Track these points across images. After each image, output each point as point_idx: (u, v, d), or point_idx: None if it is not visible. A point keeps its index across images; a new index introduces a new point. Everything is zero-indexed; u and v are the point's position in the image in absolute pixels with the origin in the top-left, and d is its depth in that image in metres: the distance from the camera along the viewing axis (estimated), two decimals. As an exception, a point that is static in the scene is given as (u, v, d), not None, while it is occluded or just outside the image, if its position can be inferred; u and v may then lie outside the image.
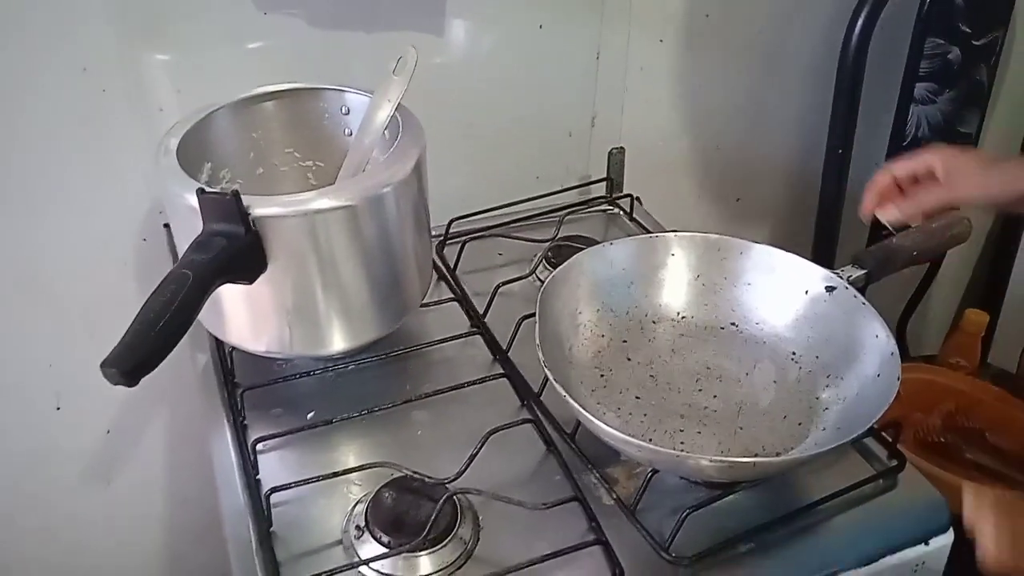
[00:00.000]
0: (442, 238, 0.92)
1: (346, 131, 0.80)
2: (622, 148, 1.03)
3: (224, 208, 0.60)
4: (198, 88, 0.84)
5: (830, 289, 0.71)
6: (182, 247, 0.66)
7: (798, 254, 0.74)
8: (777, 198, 1.29)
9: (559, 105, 1.04)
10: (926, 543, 0.63)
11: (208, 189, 0.61)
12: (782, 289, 0.73)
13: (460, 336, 0.79)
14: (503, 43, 0.96)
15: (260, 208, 0.62)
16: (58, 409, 0.97)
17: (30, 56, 0.78)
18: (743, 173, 1.23)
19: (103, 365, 0.51)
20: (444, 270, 0.88)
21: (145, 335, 0.53)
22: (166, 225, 0.88)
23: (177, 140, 0.69)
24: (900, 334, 1.25)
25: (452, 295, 0.85)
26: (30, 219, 0.85)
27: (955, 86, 1.19)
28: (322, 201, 0.64)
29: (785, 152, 1.24)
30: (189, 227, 0.63)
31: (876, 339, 0.65)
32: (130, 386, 0.52)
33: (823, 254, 1.24)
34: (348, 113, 0.79)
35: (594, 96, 1.05)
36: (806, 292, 0.72)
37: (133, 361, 0.52)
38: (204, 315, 0.62)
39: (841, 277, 0.71)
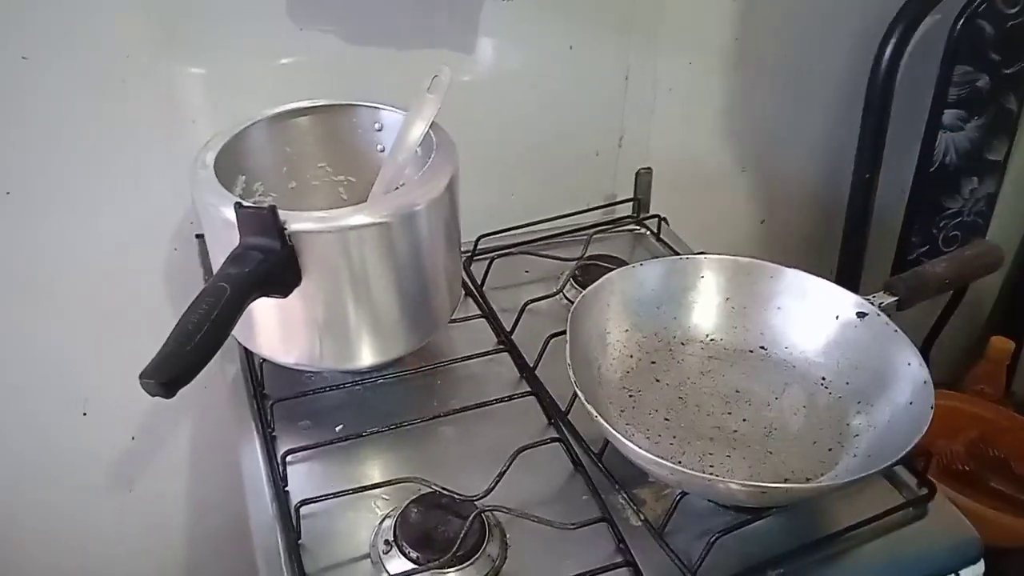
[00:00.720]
0: (470, 254, 0.92)
1: (379, 147, 0.80)
2: (649, 168, 1.03)
3: (261, 223, 0.61)
4: (232, 102, 0.85)
5: (861, 315, 0.70)
6: (217, 259, 0.67)
7: (826, 279, 0.74)
8: (802, 222, 1.28)
9: (587, 125, 1.04)
10: (956, 574, 0.62)
11: (246, 203, 0.62)
12: (812, 314, 0.73)
13: (488, 353, 0.79)
14: (533, 63, 0.97)
15: (296, 223, 0.62)
16: (85, 415, 0.97)
17: (69, 68, 0.79)
18: (769, 196, 1.23)
19: (142, 376, 0.52)
20: (471, 286, 0.89)
21: (183, 347, 0.53)
22: (198, 236, 0.89)
23: (214, 153, 0.70)
24: (923, 360, 1.25)
25: (479, 312, 0.85)
26: (62, 226, 0.86)
27: (984, 114, 1.18)
28: (357, 217, 0.65)
29: (811, 176, 1.24)
30: (225, 240, 0.63)
31: (908, 367, 0.65)
32: (168, 397, 0.52)
33: (848, 279, 1.24)
34: (381, 129, 0.80)
35: (622, 117, 1.05)
36: (836, 317, 0.72)
37: (171, 373, 0.52)
38: (236, 327, 0.62)
39: (872, 303, 0.71)
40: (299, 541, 0.62)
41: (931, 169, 1.20)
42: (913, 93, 1.17)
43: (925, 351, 1.34)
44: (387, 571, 0.59)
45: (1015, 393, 1.38)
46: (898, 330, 0.68)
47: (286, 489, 0.66)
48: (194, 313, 0.55)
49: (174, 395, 0.52)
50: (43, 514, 1.03)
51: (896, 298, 0.72)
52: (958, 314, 1.36)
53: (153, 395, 0.52)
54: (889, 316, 0.70)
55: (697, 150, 1.14)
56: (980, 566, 0.63)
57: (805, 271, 0.74)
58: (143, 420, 1.01)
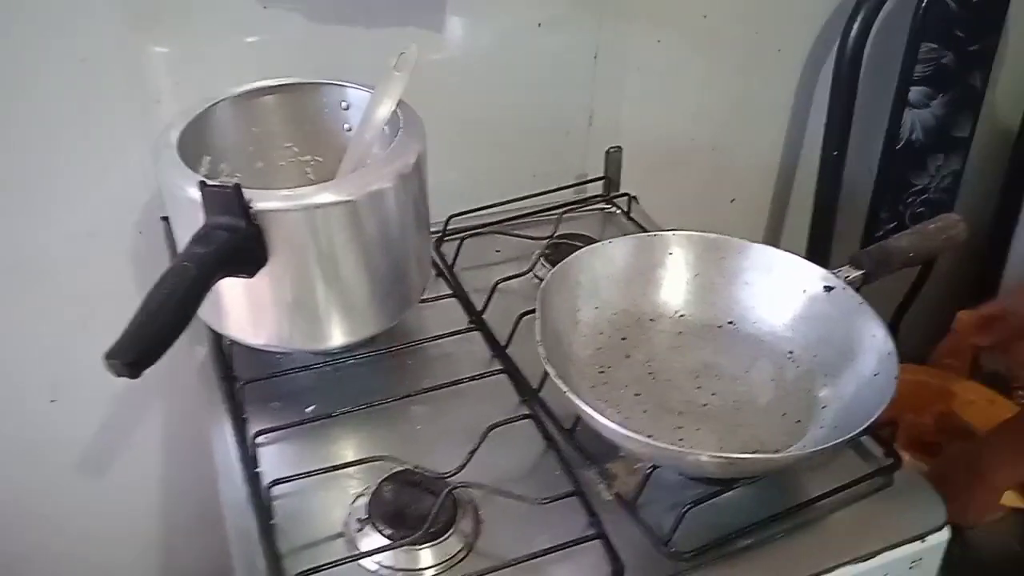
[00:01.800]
0: (440, 234, 0.92)
1: (345, 126, 0.80)
2: (619, 147, 1.03)
3: (225, 201, 0.60)
4: (196, 81, 0.84)
5: (828, 289, 0.71)
6: (182, 239, 0.66)
7: (790, 253, 0.74)
8: (771, 198, 1.29)
9: (557, 104, 1.04)
10: (922, 540, 0.63)
11: (210, 182, 0.61)
12: (780, 288, 0.74)
13: (459, 332, 0.79)
14: (502, 41, 0.96)
15: (261, 202, 0.62)
16: (53, 401, 0.96)
17: (29, 46, 0.78)
18: (739, 173, 1.23)
19: (106, 356, 0.51)
20: (442, 266, 0.88)
21: (148, 327, 0.53)
22: (163, 218, 0.88)
23: (178, 133, 0.69)
24: (892, 335, 1.26)
25: (450, 291, 0.85)
26: (26, 210, 0.85)
27: (949, 90, 1.20)
28: (323, 196, 0.64)
29: (781, 154, 1.25)
30: (190, 220, 0.62)
31: (874, 338, 0.66)
32: (133, 377, 0.52)
33: (818, 254, 1.24)
34: (348, 108, 0.79)
35: (591, 95, 1.05)
36: (804, 291, 0.72)
37: (136, 353, 0.51)
38: (203, 308, 0.62)
39: (839, 277, 0.71)
40: (272, 521, 0.62)
41: (898, 146, 1.22)
42: (880, 70, 1.18)
43: (894, 327, 1.35)
44: (360, 548, 0.59)
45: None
46: (864, 302, 0.69)
47: (257, 470, 0.66)
48: (158, 293, 0.55)
49: (139, 375, 0.52)
50: (15, 501, 1.01)
51: (862, 271, 0.72)
52: (927, 290, 1.38)
53: (118, 375, 0.51)
54: (856, 289, 0.71)
55: (667, 128, 1.14)
56: (945, 532, 0.64)
57: (773, 246, 0.75)
58: (113, 405, 1.00)
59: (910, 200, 1.27)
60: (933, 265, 1.26)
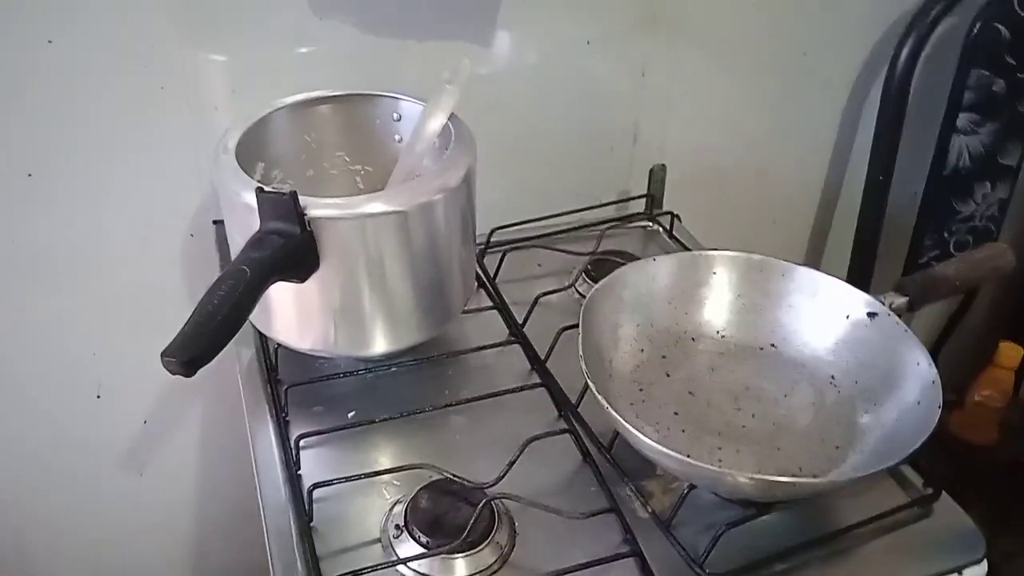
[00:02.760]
0: (483, 247, 0.93)
1: (396, 137, 0.81)
2: (663, 165, 1.03)
3: (281, 207, 0.62)
4: (252, 89, 0.86)
5: (872, 315, 0.71)
6: (236, 244, 0.68)
7: (835, 278, 0.74)
8: (814, 221, 1.29)
9: (602, 120, 1.05)
10: (959, 573, 0.63)
11: (267, 188, 0.62)
12: (823, 312, 0.74)
13: (499, 344, 0.80)
14: (550, 57, 0.97)
15: (315, 209, 0.63)
16: (98, 398, 0.99)
17: (93, 53, 0.80)
18: (782, 195, 1.23)
19: (164, 354, 0.53)
20: (484, 278, 0.89)
21: (204, 327, 0.54)
22: (215, 222, 0.90)
23: (236, 139, 0.71)
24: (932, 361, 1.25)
25: (491, 303, 0.86)
26: (81, 210, 0.87)
27: (998, 118, 1.19)
28: (375, 205, 0.66)
29: (825, 177, 1.24)
30: (245, 225, 0.64)
31: (918, 367, 0.65)
32: (187, 376, 0.53)
33: (860, 279, 1.24)
34: (400, 120, 0.80)
35: (637, 113, 1.06)
36: (847, 317, 0.72)
37: (192, 352, 0.53)
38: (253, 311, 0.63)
39: (883, 303, 0.71)
40: (311, 524, 0.63)
41: (944, 172, 1.20)
42: (928, 96, 1.17)
43: (934, 354, 1.34)
44: (397, 555, 0.60)
45: (1022, 399, 1.38)
46: (908, 330, 0.68)
47: (299, 473, 0.67)
48: (215, 294, 0.56)
49: (194, 374, 0.53)
50: (56, 496, 1.04)
51: (907, 298, 0.72)
52: (968, 319, 1.36)
53: (173, 373, 0.53)
54: (899, 316, 0.70)
55: (711, 148, 1.14)
56: (983, 566, 0.63)
57: (817, 270, 0.75)
58: (156, 404, 1.02)
59: (955, 227, 1.26)
60: (976, 294, 1.25)
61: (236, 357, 0.79)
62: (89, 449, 1.02)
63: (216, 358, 0.56)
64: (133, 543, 1.11)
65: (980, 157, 1.21)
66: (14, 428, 0.97)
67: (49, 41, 0.78)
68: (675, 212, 1.01)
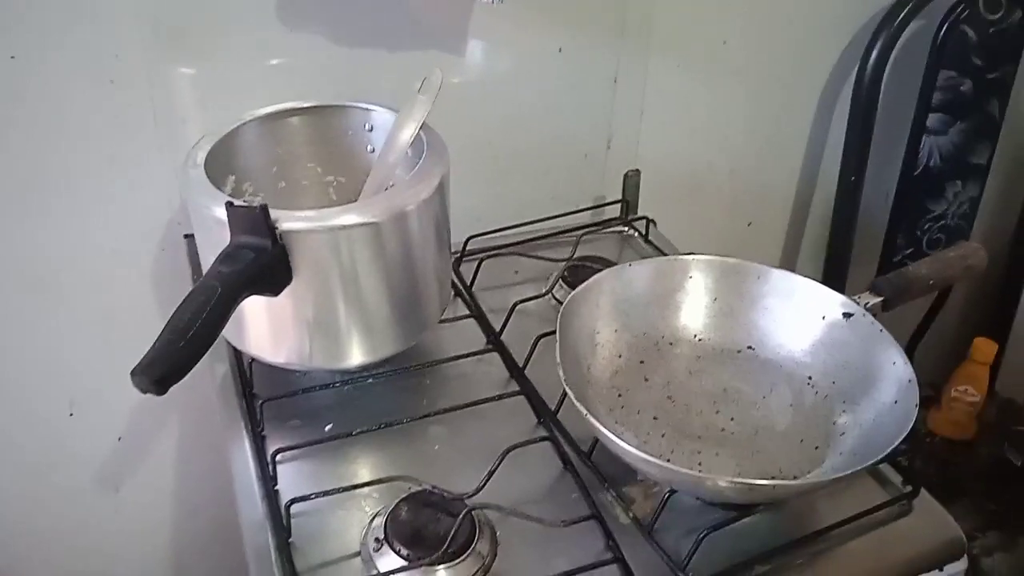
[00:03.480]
0: (459, 255, 0.92)
1: (368, 148, 0.81)
2: (637, 171, 1.04)
3: (252, 221, 0.61)
4: (221, 101, 0.85)
5: (847, 315, 0.71)
6: (207, 258, 0.67)
7: (812, 279, 0.74)
8: (788, 223, 1.30)
9: (576, 127, 1.05)
10: (940, 569, 0.63)
11: (237, 202, 0.62)
12: (800, 314, 0.74)
13: (477, 353, 0.80)
14: (522, 65, 0.97)
15: (287, 222, 0.63)
16: (71, 415, 0.97)
17: (57, 67, 0.79)
18: (756, 198, 1.24)
19: (133, 373, 0.52)
20: (461, 287, 0.89)
21: (175, 344, 0.53)
22: (187, 236, 0.89)
23: (205, 153, 0.70)
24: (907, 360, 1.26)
25: (468, 312, 0.85)
26: (50, 226, 0.86)
27: (967, 117, 1.20)
28: (348, 217, 0.65)
29: (798, 178, 1.25)
30: (215, 239, 0.63)
31: (893, 366, 0.66)
32: (159, 394, 0.52)
33: (835, 279, 1.25)
34: (371, 130, 0.80)
35: (610, 119, 1.06)
36: (823, 318, 0.73)
37: (163, 369, 0.52)
38: (225, 326, 0.62)
39: (859, 303, 0.71)
40: (289, 540, 0.62)
41: (915, 172, 1.22)
42: (898, 97, 1.18)
43: (910, 352, 1.35)
44: (378, 569, 0.60)
45: (997, 393, 1.40)
46: (884, 330, 0.69)
47: (276, 488, 0.66)
48: (186, 311, 0.55)
49: (165, 392, 0.52)
50: (30, 513, 1.02)
51: (882, 298, 0.72)
52: (943, 316, 1.38)
53: (144, 391, 0.52)
54: (875, 316, 0.71)
55: (685, 152, 1.15)
56: (963, 562, 0.64)
57: (792, 272, 0.75)
58: (130, 420, 1.01)
59: (927, 226, 1.27)
60: (950, 292, 1.26)
61: (210, 372, 0.78)
62: (64, 466, 1.00)
63: (190, 373, 0.55)
64: (112, 559, 1.09)
65: (951, 156, 1.22)
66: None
67: (12, 57, 0.77)
68: (650, 217, 1.01)
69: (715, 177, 1.18)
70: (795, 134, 1.21)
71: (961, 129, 1.20)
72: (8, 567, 1.05)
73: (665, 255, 0.91)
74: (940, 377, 1.41)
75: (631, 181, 1.03)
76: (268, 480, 0.66)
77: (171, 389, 0.54)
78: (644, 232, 1.00)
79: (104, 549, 1.08)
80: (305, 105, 0.79)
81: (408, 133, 0.73)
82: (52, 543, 1.05)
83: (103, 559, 1.09)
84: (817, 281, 0.74)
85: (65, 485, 1.02)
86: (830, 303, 0.72)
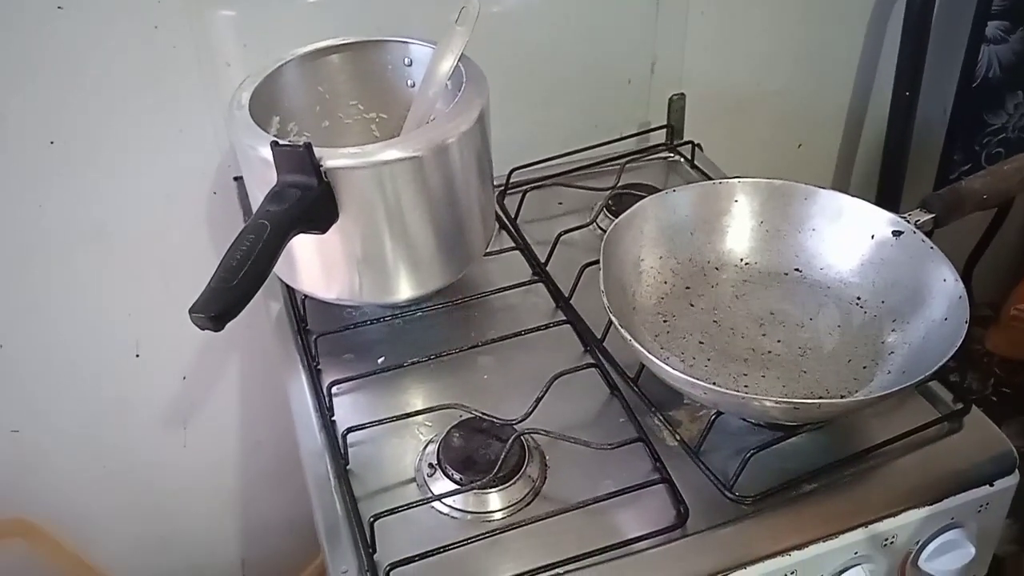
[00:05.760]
0: (503, 188, 0.93)
1: (409, 83, 0.81)
2: (682, 94, 1.02)
3: (297, 160, 0.62)
4: (263, 43, 0.85)
5: (897, 233, 0.70)
6: (256, 198, 0.69)
7: (863, 199, 0.73)
8: (841, 143, 1.26)
9: (618, 52, 1.03)
10: (991, 484, 0.63)
11: (281, 142, 0.63)
12: (848, 234, 0.73)
13: (523, 284, 0.81)
14: (562, -9, 0.96)
15: (331, 160, 0.64)
16: (137, 356, 1.01)
17: (103, 15, 0.80)
18: (806, 118, 1.21)
19: (191, 311, 0.54)
20: (505, 219, 0.89)
21: (229, 282, 0.55)
22: (236, 178, 0.91)
23: (249, 94, 0.71)
24: (966, 280, 1.23)
25: (513, 244, 0.86)
26: (104, 174, 0.88)
27: (1029, 24, 1.15)
28: (390, 152, 0.66)
29: (850, 96, 1.22)
30: (263, 179, 0.65)
31: (944, 283, 0.65)
32: (216, 330, 0.54)
33: (889, 199, 1.22)
34: (411, 64, 0.80)
35: (654, 42, 1.04)
36: (872, 237, 0.72)
37: (219, 307, 0.54)
38: (277, 265, 0.64)
39: (908, 221, 0.70)
40: (347, 467, 0.65)
41: (973, 84, 1.17)
42: (954, 5, 1.13)
43: (968, 271, 1.33)
44: (432, 492, 0.62)
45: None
46: (934, 247, 0.67)
47: (333, 419, 0.69)
48: (237, 250, 0.57)
49: (222, 328, 0.54)
50: (104, 454, 1.07)
51: (933, 215, 0.71)
52: (1004, 233, 1.34)
53: (202, 328, 0.54)
54: (926, 234, 0.69)
55: (732, 74, 1.12)
56: (1015, 477, 0.63)
57: (840, 192, 0.74)
58: (193, 360, 1.04)
59: (986, 141, 1.23)
60: (1009, 208, 1.23)
61: (266, 310, 0.81)
62: (134, 406, 1.05)
63: (247, 312, 0.57)
64: (182, 494, 1.14)
65: (1011, 66, 1.17)
66: (58, 390, 1.00)
67: (59, 7, 0.78)
68: (696, 141, 1.00)
69: (763, 98, 1.16)
70: (846, 49, 1.17)
71: (1022, 36, 1.15)
72: (85, 506, 1.10)
73: (711, 180, 0.90)
74: (1000, 296, 1.37)
75: (676, 105, 1.02)
76: (325, 411, 0.69)
77: (230, 328, 0.56)
78: (690, 157, 0.99)
79: (174, 485, 1.13)
80: (344, 41, 0.79)
81: (447, 65, 0.73)
82: (123, 481, 1.10)
83: (173, 494, 1.14)
84: (871, 201, 0.72)
85: (135, 424, 1.06)
86: (879, 222, 0.71)
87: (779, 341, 0.70)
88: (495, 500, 0.61)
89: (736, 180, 0.76)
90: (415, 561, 0.57)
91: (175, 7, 0.82)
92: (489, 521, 0.61)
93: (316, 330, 0.76)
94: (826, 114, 1.23)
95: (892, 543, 0.61)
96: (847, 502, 0.61)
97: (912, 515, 0.61)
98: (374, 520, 0.59)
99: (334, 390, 0.70)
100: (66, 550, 1.10)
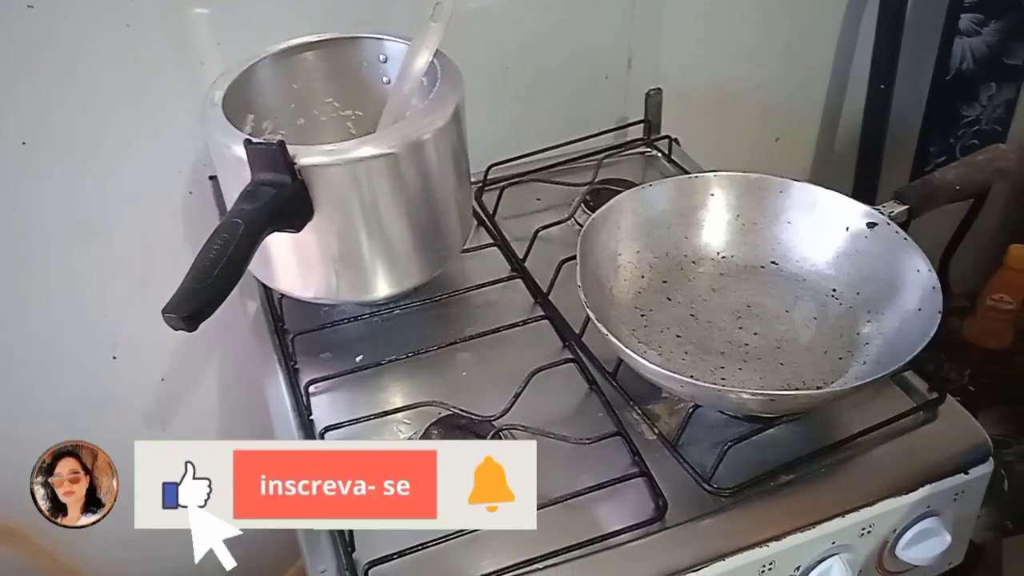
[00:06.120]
0: (481, 184, 0.93)
1: (384, 79, 0.80)
2: (659, 89, 1.02)
3: (270, 158, 0.62)
4: (238, 40, 0.85)
5: (871, 225, 0.71)
6: (230, 197, 0.68)
7: (839, 192, 0.73)
8: (818, 136, 1.27)
9: (595, 48, 1.03)
10: (966, 472, 0.64)
11: (255, 140, 0.62)
12: (823, 226, 0.73)
13: (501, 280, 0.81)
14: (538, -14, 0.95)
15: (305, 157, 0.63)
16: (114, 358, 1.00)
17: (75, 13, 0.79)
18: (783, 111, 1.21)
19: (164, 311, 0.53)
20: (483, 216, 0.89)
21: (202, 282, 0.55)
22: (211, 177, 0.90)
23: (222, 92, 0.71)
24: (943, 271, 1.24)
25: (492, 240, 0.86)
26: (80, 174, 0.87)
27: (1001, 17, 1.16)
28: (364, 149, 0.65)
29: (826, 89, 1.22)
30: (237, 178, 0.64)
31: (917, 273, 0.66)
32: (190, 331, 0.54)
33: (865, 191, 1.23)
34: (386, 61, 0.80)
35: (630, 37, 1.04)
36: (847, 229, 0.72)
37: (192, 307, 0.54)
38: (253, 264, 0.63)
39: (883, 213, 0.71)
40: (326, 466, 0.64)
41: (948, 77, 1.18)
42: (928, -1, 1.14)
43: (945, 262, 1.34)
44: (411, 490, 0.62)
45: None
46: (908, 238, 0.68)
47: (311, 418, 0.68)
48: (210, 249, 0.57)
49: (196, 328, 0.54)
50: (84, 454, 1.06)
51: (906, 206, 0.71)
52: (980, 224, 1.35)
53: (176, 329, 0.54)
54: (900, 225, 0.70)
55: (709, 69, 1.12)
56: (989, 464, 0.64)
57: (816, 184, 0.74)
58: (171, 361, 1.04)
59: (961, 132, 1.24)
60: (984, 199, 1.24)
61: (243, 309, 0.80)
62: (111, 408, 1.03)
63: (224, 311, 0.57)
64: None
65: (984, 58, 1.18)
66: (36, 392, 0.99)
67: (29, 6, 0.78)
68: (673, 136, 1.00)
69: (740, 92, 1.16)
70: (822, 42, 1.18)
71: (995, 29, 1.16)
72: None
73: (688, 174, 0.90)
74: (976, 286, 1.39)
75: (652, 100, 1.02)
76: (303, 410, 0.69)
77: (207, 328, 0.56)
78: (667, 152, 0.99)
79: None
80: (318, 39, 0.79)
81: (422, 62, 0.73)
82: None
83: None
84: (847, 194, 0.73)
85: (115, 426, 1.05)
86: (854, 214, 0.72)
87: (756, 334, 0.70)
88: (474, 496, 0.61)
89: (712, 174, 0.77)
90: (394, 559, 0.57)
91: (148, 5, 0.81)
92: (468, 517, 0.61)
93: (293, 329, 0.75)
94: (803, 108, 1.23)
95: (869, 532, 0.62)
96: (824, 492, 0.62)
97: (889, 504, 0.62)
98: (353, 518, 0.58)
99: (312, 389, 0.70)
100: (48, 553, 1.09)
